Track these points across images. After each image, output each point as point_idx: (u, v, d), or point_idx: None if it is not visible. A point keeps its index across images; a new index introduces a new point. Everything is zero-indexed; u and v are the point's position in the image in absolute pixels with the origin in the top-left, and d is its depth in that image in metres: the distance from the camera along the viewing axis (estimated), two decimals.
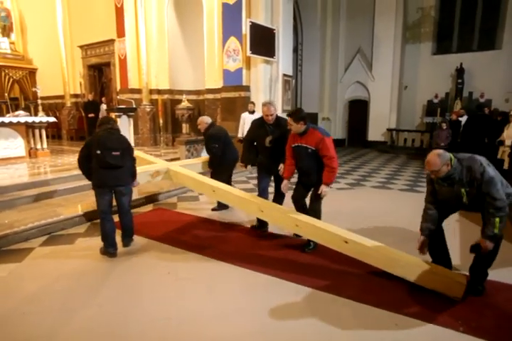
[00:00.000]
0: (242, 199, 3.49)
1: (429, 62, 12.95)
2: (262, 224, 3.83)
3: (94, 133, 3.37)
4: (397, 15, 12.16)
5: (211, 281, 2.79)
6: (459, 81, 12.07)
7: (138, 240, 3.56)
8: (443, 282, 2.48)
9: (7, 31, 12.21)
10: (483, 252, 2.36)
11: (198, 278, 2.85)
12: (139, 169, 3.59)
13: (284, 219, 3.20)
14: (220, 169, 4.42)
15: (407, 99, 13.19)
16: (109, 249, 3.22)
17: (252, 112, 6.82)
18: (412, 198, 5.35)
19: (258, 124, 3.77)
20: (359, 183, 6.64)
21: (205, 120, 4.63)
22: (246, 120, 6.75)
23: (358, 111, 13.39)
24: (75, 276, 2.88)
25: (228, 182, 4.51)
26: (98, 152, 3.08)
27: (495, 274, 2.65)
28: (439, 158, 2.34)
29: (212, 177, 4.27)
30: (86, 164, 3.22)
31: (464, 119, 8.71)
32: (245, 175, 6.96)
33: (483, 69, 11.78)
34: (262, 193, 3.84)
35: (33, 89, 9.41)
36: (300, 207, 3.45)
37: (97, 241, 3.38)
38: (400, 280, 2.62)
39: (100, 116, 10.89)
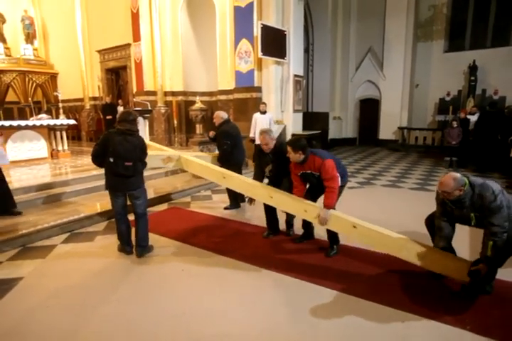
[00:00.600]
0: (252, 185, 3.47)
1: (441, 60, 12.69)
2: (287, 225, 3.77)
3: (111, 130, 3.20)
4: (408, 13, 11.94)
5: (223, 278, 2.84)
6: (472, 78, 11.78)
7: (153, 238, 3.63)
8: (450, 265, 2.52)
9: (31, 38, 12.57)
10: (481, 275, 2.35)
11: (211, 275, 2.90)
12: (151, 152, 3.61)
13: (294, 204, 3.12)
14: (227, 166, 4.41)
15: (418, 97, 12.96)
16: (125, 247, 3.32)
17: (264, 112, 6.85)
18: (423, 197, 5.28)
19: (260, 150, 3.65)
20: (369, 182, 6.59)
21: (221, 115, 4.66)
22: (258, 120, 6.80)
23: (369, 109, 13.23)
24: (94, 273, 2.98)
25: None
26: (111, 160, 3.00)
27: (505, 273, 2.61)
28: (454, 182, 2.32)
29: None
30: (100, 162, 3.14)
31: (474, 117, 8.52)
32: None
33: (497, 66, 11.47)
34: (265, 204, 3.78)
35: (55, 94, 9.64)
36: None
37: (115, 239, 3.47)
38: (411, 280, 2.61)
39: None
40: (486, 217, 2.33)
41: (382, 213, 4.46)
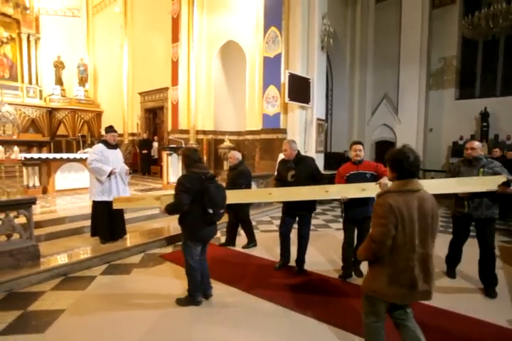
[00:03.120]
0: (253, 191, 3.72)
1: (452, 106, 12.74)
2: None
3: (191, 174, 2.79)
4: (421, 64, 12.22)
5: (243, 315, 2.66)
6: (484, 124, 11.71)
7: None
8: None
9: (83, 81, 13.55)
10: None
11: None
12: None
13: (289, 192, 3.42)
14: (241, 204, 4.30)
15: (432, 141, 12.86)
16: (197, 297, 2.90)
17: None
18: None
19: (283, 161, 3.79)
20: None
21: (237, 155, 4.59)
22: None
23: (385, 151, 13.07)
24: (132, 310, 2.85)
25: (247, 216, 4.66)
26: (210, 211, 2.71)
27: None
28: (480, 145, 3.35)
29: (236, 209, 4.37)
30: (185, 210, 2.76)
31: None
32: (270, 214, 6.78)
33: (507, 113, 11.40)
34: (281, 238, 3.71)
35: (100, 130, 10.12)
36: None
37: (150, 273, 3.38)
38: None
39: (152, 152, 11.46)
40: (495, 172, 3.15)
41: None
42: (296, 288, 3.29)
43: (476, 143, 3.29)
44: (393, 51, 12.74)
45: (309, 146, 8.31)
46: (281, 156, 6.95)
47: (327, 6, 8.59)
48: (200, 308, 2.86)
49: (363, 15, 12.65)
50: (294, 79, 7.78)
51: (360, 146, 3.42)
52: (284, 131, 8.17)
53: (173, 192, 2.87)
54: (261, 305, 2.93)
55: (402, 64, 12.50)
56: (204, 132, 9.90)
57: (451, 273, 3.62)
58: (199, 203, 2.70)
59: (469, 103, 12.33)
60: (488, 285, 3.19)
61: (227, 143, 9.13)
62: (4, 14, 11.84)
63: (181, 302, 2.90)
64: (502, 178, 3.04)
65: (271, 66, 8.32)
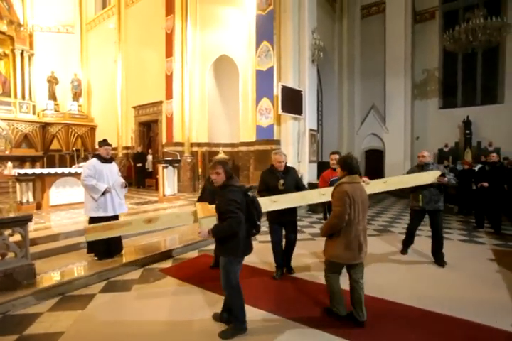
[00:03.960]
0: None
1: (437, 115, 13.03)
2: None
3: (234, 188, 2.53)
4: (405, 75, 12.50)
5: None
6: (467, 132, 11.98)
7: (191, 289, 3.37)
8: None
9: (77, 96, 13.39)
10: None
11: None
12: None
13: (294, 198, 3.53)
14: None
15: (419, 148, 12.90)
16: (244, 325, 2.57)
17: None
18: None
19: (268, 172, 3.81)
20: (386, 229, 6.29)
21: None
22: None
23: (374, 159, 13.27)
24: (134, 328, 2.69)
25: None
26: (259, 223, 2.58)
27: None
28: (429, 154, 4.30)
29: None
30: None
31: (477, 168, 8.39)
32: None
33: (488, 121, 11.73)
34: (276, 247, 3.77)
35: (94, 145, 9.93)
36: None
37: (151, 290, 3.23)
38: None
39: (147, 166, 11.28)
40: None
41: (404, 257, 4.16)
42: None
43: (426, 153, 4.28)
44: (379, 63, 13.04)
45: (302, 156, 8.31)
46: None
47: (316, 21, 8.76)
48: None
49: (349, 29, 12.96)
50: (286, 91, 7.83)
51: (336, 156, 3.97)
52: (277, 142, 8.16)
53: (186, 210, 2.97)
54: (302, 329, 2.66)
55: (387, 75, 12.78)
56: (198, 144, 9.82)
57: (405, 250, 4.64)
58: (246, 217, 2.50)
59: (452, 112, 12.63)
60: (438, 259, 4.16)
61: (221, 155, 9.06)
62: None
63: (227, 334, 2.49)
64: (438, 172, 4.03)
65: (263, 79, 8.36)
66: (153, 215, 2.86)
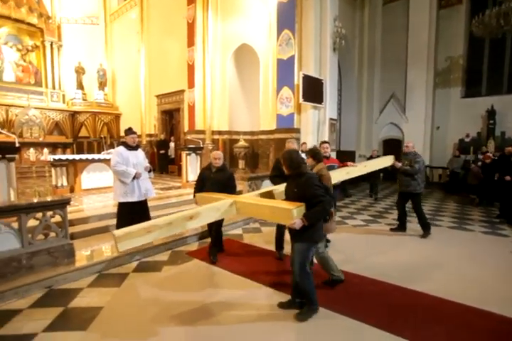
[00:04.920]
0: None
1: (459, 104, 12.43)
2: None
3: (311, 174, 2.60)
4: (428, 63, 11.95)
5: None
6: (491, 122, 11.39)
7: (218, 272, 3.45)
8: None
9: (102, 85, 13.57)
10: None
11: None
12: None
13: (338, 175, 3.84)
14: None
15: (439, 138, 12.59)
16: (316, 305, 2.61)
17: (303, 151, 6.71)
18: (463, 236, 4.86)
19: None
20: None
21: (221, 155, 4.07)
22: None
23: (392, 148, 12.91)
24: (167, 305, 2.80)
25: None
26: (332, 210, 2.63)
27: None
28: (412, 144, 5.08)
29: None
30: None
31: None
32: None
33: None
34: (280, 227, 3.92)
35: (119, 132, 10.10)
36: None
37: (180, 271, 3.32)
38: None
39: (169, 152, 11.44)
40: (412, 160, 4.84)
41: (434, 252, 4.09)
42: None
43: (410, 144, 5.05)
44: (400, 51, 12.48)
45: None
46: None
47: (338, 8, 8.41)
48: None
49: (370, 16, 12.40)
50: (307, 80, 7.65)
51: (327, 145, 4.41)
52: (297, 131, 8.05)
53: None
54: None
55: (409, 63, 12.23)
56: (219, 132, 9.83)
57: (400, 227, 5.20)
58: None
59: (475, 101, 12.01)
60: (424, 230, 4.93)
61: (242, 143, 9.04)
62: (29, 24, 11.89)
63: (304, 316, 2.54)
64: (391, 157, 4.71)
65: (284, 68, 8.18)
66: (193, 211, 2.63)
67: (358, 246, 4.42)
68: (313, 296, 2.60)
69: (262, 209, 2.66)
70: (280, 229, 3.89)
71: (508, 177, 5.95)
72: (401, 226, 5.19)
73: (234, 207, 2.85)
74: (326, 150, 4.25)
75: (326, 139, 8.16)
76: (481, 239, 4.82)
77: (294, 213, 2.30)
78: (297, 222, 2.31)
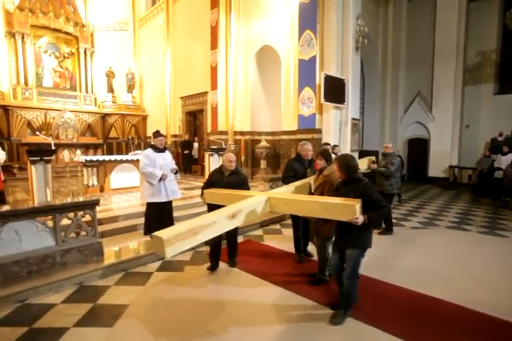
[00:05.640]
0: None
1: (491, 102, 11.73)
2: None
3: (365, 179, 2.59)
4: (457, 59, 11.35)
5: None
6: None
7: (237, 273, 3.47)
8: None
9: (131, 88, 14.03)
10: None
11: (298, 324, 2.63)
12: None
13: None
14: None
15: (469, 137, 11.95)
16: (351, 309, 2.63)
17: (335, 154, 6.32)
18: (496, 242, 4.58)
19: (296, 161, 3.86)
20: (431, 222, 5.91)
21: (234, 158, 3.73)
22: None
23: (418, 148, 12.42)
24: (190, 304, 2.85)
25: None
26: None
27: None
28: (391, 145, 5.22)
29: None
30: None
31: None
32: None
33: None
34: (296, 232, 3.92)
35: (146, 133, 10.39)
36: None
37: (202, 270, 3.38)
38: None
39: (193, 152, 11.64)
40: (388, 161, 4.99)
41: (456, 259, 3.89)
42: None
43: (389, 145, 5.18)
44: (427, 48, 11.93)
45: (344, 145, 7.99)
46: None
47: (360, 6, 8.17)
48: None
49: (395, 13, 11.94)
50: (329, 80, 7.49)
51: (328, 146, 5.08)
52: (319, 131, 7.92)
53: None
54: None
55: (436, 60, 11.67)
56: (242, 133, 9.87)
57: (386, 229, 5.03)
58: None
59: (509, 98, 11.27)
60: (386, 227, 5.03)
61: (263, 143, 9.03)
62: (66, 32, 12.50)
63: (340, 320, 2.54)
64: (371, 158, 5.04)
65: (306, 68, 8.06)
66: (234, 209, 2.47)
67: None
68: (351, 300, 2.63)
69: (309, 206, 2.53)
70: (297, 232, 3.85)
71: None
72: (387, 229, 4.99)
73: (268, 204, 2.72)
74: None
75: (348, 140, 8.01)
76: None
77: (357, 208, 2.28)
78: (361, 218, 2.29)
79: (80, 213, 3.60)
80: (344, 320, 2.55)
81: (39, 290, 2.98)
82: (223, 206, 2.70)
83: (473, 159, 11.64)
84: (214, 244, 3.55)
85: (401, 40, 12.40)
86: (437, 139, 11.73)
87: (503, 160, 8.70)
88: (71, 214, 3.53)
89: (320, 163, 3.22)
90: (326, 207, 2.41)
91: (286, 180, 3.74)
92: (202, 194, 3.51)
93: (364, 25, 7.96)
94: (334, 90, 7.59)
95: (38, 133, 8.79)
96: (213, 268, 3.60)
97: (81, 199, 4.03)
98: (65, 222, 3.49)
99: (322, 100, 7.40)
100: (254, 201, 2.67)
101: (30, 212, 3.22)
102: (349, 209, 2.30)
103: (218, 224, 2.32)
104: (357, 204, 2.29)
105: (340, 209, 2.35)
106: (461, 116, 11.69)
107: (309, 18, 7.90)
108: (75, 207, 3.54)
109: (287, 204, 2.66)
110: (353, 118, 8.12)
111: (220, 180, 3.56)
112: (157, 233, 2.04)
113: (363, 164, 4.84)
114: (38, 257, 3.22)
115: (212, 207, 3.13)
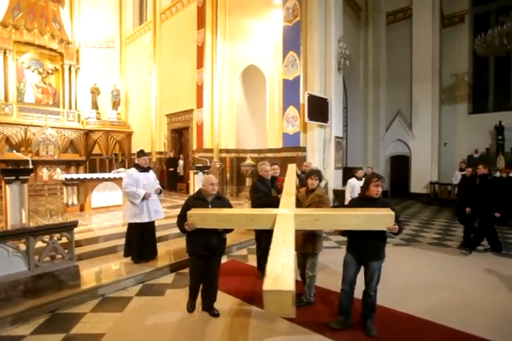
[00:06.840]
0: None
1: (466, 120, 12.35)
2: None
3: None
4: (433, 80, 11.98)
5: None
6: (500, 137, 11.23)
7: (219, 295, 3.38)
8: None
9: (116, 105, 13.98)
10: None
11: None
12: None
13: None
14: None
15: (447, 155, 12.42)
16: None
17: (361, 178, 5.84)
18: (475, 259, 4.67)
19: (260, 183, 4.09)
20: (414, 239, 6.00)
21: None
22: (355, 187, 5.83)
23: (399, 165, 12.78)
24: (171, 331, 2.74)
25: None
26: None
27: None
28: (310, 163, 5.68)
29: None
30: None
31: None
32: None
33: None
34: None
35: (130, 149, 10.27)
36: None
37: (183, 294, 3.27)
38: None
39: (178, 170, 11.55)
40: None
41: (435, 274, 3.93)
42: None
43: (309, 163, 5.94)
44: (405, 69, 12.56)
45: (328, 163, 8.14)
46: (353, 183, 5.95)
47: (342, 29, 8.60)
48: None
49: (374, 36, 12.61)
50: (313, 99, 7.72)
51: (276, 166, 4.60)
52: (303, 149, 8.05)
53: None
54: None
55: (414, 80, 12.28)
56: (227, 150, 9.92)
57: None
58: None
59: (483, 117, 11.91)
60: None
61: (248, 161, 9.09)
62: (51, 49, 12.48)
63: (374, 328, 2.71)
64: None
65: (290, 88, 8.30)
66: (252, 214, 2.58)
67: None
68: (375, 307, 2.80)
69: (349, 220, 2.45)
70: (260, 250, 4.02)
71: (468, 210, 5.22)
72: None
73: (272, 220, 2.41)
74: (276, 171, 4.48)
75: (332, 157, 8.17)
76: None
77: (392, 216, 2.41)
78: (397, 226, 2.47)
79: (57, 235, 3.47)
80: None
81: (5, 321, 2.79)
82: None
83: (451, 176, 12.08)
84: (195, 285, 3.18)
85: (381, 61, 13.02)
86: (418, 156, 12.13)
87: (457, 176, 8.98)
88: (46, 237, 3.39)
89: (315, 183, 3.26)
90: (370, 219, 2.45)
91: (260, 200, 3.81)
92: (180, 225, 2.93)
93: (345, 48, 8.35)
94: (318, 109, 7.81)
95: (14, 151, 8.55)
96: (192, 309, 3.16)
97: (59, 219, 3.90)
98: (41, 244, 3.34)
99: (306, 119, 7.59)
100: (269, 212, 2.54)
101: (2, 235, 3.07)
102: (390, 218, 2.43)
103: (237, 220, 2.64)
104: (391, 215, 2.43)
105: (383, 219, 2.45)
106: (439, 134, 12.21)
107: (293, 40, 8.24)
108: (51, 229, 3.40)
109: (318, 219, 2.48)
110: (337, 137, 8.33)
111: (202, 207, 2.93)
112: (274, 286, 1.47)
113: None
114: (6, 283, 3.04)
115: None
